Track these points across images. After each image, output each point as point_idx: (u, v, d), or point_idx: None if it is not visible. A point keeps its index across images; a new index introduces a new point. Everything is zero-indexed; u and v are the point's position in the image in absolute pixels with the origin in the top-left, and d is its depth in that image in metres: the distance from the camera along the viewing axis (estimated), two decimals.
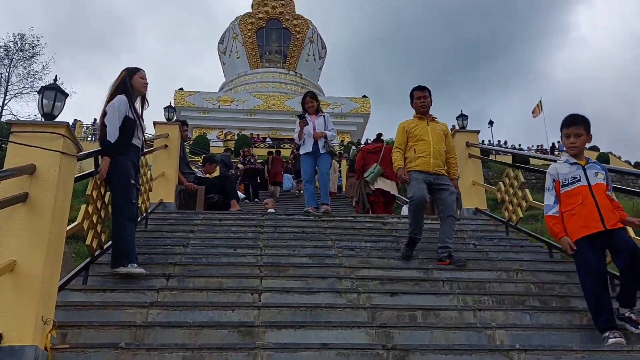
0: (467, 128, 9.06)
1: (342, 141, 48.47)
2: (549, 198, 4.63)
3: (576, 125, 4.60)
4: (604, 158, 39.34)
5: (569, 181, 4.53)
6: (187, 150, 10.37)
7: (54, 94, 8.77)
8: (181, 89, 50.14)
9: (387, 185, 10.13)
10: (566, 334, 4.24)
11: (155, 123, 8.77)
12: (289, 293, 4.84)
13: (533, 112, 49.30)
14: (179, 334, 3.91)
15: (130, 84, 5.32)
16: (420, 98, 6.54)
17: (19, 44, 38.76)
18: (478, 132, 9.08)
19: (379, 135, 11.66)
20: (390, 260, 6.10)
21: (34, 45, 39.04)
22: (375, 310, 4.50)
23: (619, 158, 50.85)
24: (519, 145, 50.48)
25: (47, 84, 6.89)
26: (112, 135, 5.08)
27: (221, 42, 57.14)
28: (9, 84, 37.35)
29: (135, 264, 5.07)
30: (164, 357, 3.51)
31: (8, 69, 37.79)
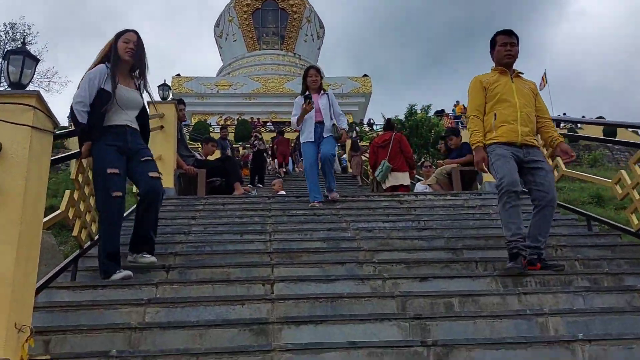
0: None
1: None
2: None
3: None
4: (610, 130, 38.56)
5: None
6: (186, 133, 9.73)
7: (21, 59, 7.54)
8: (178, 75, 49.38)
9: (398, 180, 9.56)
10: (629, 318, 3.65)
11: (149, 103, 8.13)
12: (305, 282, 4.25)
13: (539, 85, 48.38)
14: (181, 336, 3.33)
15: (116, 51, 4.55)
16: (506, 45, 4.84)
17: (11, 34, 37.99)
18: None
19: (389, 120, 11.00)
20: (414, 241, 5.52)
21: (25, 34, 38.22)
22: (405, 298, 3.92)
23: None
24: None
25: (14, 47, 5.55)
26: (79, 113, 4.30)
27: (217, 25, 56.19)
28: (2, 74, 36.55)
29: (118, 271, 4.28)
30: None
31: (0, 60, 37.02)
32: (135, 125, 4.61)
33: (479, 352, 3.10)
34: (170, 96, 8.50)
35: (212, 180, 8.62)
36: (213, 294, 4.10)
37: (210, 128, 42.08)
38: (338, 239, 5.51)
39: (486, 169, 4.72)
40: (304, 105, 7.19)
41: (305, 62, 54.92)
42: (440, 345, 3.11)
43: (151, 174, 4.51)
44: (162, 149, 7.86)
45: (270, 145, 21.18)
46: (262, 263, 4.76)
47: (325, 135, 7.27)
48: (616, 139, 20.64)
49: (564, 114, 49.84)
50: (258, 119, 45.05)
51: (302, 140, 7.51)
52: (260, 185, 17.70)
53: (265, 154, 18.68)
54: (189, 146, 9.69)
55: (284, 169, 18.94)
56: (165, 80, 12.30)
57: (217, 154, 12.20)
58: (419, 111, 25.12)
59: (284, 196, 7.99)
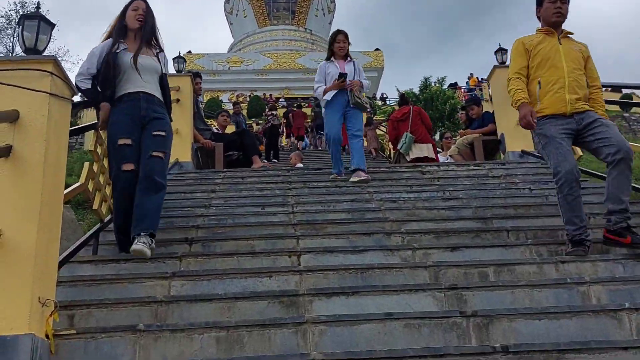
0: (507, 63, 8.22)
1: None
2: None
3: None
4: (627, 97, 38.02)
5: None
6: (202, 105, 9.57)
7: (36, 24, 6.99)
8: (189, 52, 49.08)
9: (423, 152, 9.30)
10: None
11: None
12: (332, 253, 4.13)
13: None
14: (209, 310, 3.23)
15: (125, 22, 4.38)
16: (556, 2, 4.27)
17: (21, 12, 37.78)
18: None
19: (403, 96, 10.72)
20: (440, 211, 5.36)
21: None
22: (438, 268, 3.78)
23: None
24: None
25: (28, 12, 5.11)
26: (81, 81, 4.15)
27: (227, 1, 55.72)
28: (14, 54, 36.47)
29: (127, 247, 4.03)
30: (192, 340, 2.83)
31: (12, 39, 36.95)
32: (152, 92, 4.32)
33: (521, 322, 2.97)
34: (185, 69, 8.31)
35: (229, 154, 8.49)
36: (239, 266, 3.99)
37: (223, 105, 41.99)
38: (362, 210, 5.36)
39: (533, 123, 4.12)
40: (337, 81, 6.74)
41: (316, 37, 54.44)
42: (480, 315, 2.98)
43: (154, 153, 4.11)
44: (179, 123, 7.71)
45: (284, 120, 20.98)
46: (287, 235, 4.63)
47: (351, 104, 6.80)
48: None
49: None
50: (270, 95, 44.77)
51: (326, 109, 6.98)
52: (276, 161, 17.56)
53: (279, 129, 18.51)
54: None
55: (302, 142, 18.80)
56: (180, 53, 11.98)
57: (232, 129, 12.07)
58: (433, 84, 24.76)
59: (303, 169, 7.81)
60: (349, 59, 7.08)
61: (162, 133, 4.25)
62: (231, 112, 14.81)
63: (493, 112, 8.59)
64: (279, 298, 3.29)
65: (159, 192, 4.09)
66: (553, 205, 5.48)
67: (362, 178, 6.52)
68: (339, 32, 7.04)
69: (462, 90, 42.04)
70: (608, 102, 6.71)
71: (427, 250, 4.17)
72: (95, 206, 4.48)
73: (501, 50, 7.66)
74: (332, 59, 7.04)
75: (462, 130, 8.82)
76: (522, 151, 7.77)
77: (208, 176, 7.21)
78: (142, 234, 3.91)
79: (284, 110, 33.29)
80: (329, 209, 5.46)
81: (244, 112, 28.68)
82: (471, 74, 45.62)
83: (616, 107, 26.17)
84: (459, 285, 3.40)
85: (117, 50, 4.23)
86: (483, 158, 8.16)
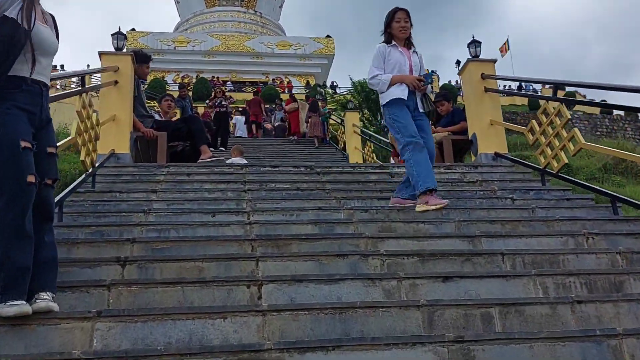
0: (480, 57, 7.52)
1: (307, 83, 46.61)
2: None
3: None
4: (571, 95, 38.90)
5: None
6: (143, 88, 8.56)
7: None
8: (133, 29, 47.03)
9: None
10: None
11: (101, 54, 6.98)
12: (301, 283, 3.35)
13: (501, 51, 48.12)
14: None
15: None
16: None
17: None
18: (494, 61, 7.59)
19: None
20: (419, 225, 4.67)
21: None
22: (432, 308, 3.07)
23: (584, 97, 50.26)
24: None
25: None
26: None
27: None
28: None
29: (22, 301, 2.67)
30: None
31: None
32: (48, 83, 3.05)
33: None
34: (125, 48, 7.26)
35: (174, 145, 7.57)
36: (184, 299, 3.18)
37: (167, 86, 40.38)
38: (331, 222, 4.61)
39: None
40: (419, 85, 5.22)
41: (266, 20, 53.19)
42: None
43: (49, 181, 2.94)
44: (116, 108, 6.75)
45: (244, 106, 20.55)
46: (243, 255, 3.82)
47: (420, 110, 5.27)
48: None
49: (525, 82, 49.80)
50: (217, 77, 43.45)
51: (394, 108, 5.19)
52: (223, 149, 16.59)
53: (229, 116, 17.56)
54: (147, 106, 8.55)
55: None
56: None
57: (178, 116, 11.08)
58: None
59: (257, 166, 6.95)
60: (412, 48, 5.49)
61: (55, 150, 3.05)
62: (176, 95, 13.79)
63: (463, 108, 7.97)
64: (237, 355, 2.50)
65: (53, 233, 3.01)
66: (542, 220, 4.89)
67: (439, 205, 4.84)
68: (398, 9, 5.39)
69: None
70: (552, 99, 6.22)
71: (415, 280, 3.45)
72: (82, 157, 5.18)
73: (475, 43, 7.06)
74: (393, 42, 5.39)
75: (433, 128, 8.14)
76: (495, 153, 7.18)
77: (149, 171, 6.30)
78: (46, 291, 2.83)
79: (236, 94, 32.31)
80: (292, 220, 4.69)
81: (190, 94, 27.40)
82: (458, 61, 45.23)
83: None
84: (465, 338, 2.70)
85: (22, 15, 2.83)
86: (452, 159, 7.53)
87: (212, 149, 15.95)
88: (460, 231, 4.54)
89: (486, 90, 7.28)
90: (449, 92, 8.50)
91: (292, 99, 21.82)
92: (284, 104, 23.62)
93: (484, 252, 4.04)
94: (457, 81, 47.66)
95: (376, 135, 14.24)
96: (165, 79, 43.28)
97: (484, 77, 7.30)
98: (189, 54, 46.45)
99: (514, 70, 63.61)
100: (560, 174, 5.95)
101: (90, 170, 5.29)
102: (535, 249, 4.16)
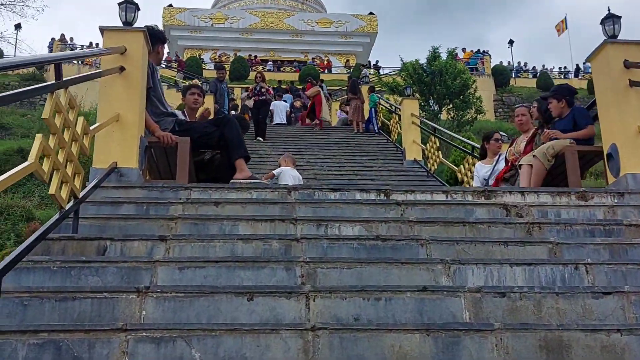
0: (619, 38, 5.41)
1: (347, 62, 44.45)
2: None
3: None
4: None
5: None
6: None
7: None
8: (170, 5, 45.47)
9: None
10: None
11: (102, 29, 5.12)
12: None
13: (557, 30, 44.95)
14: None
15: None
16: None
17: None
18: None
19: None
20: (612, 337, 2.71)
21: None
22: None
23: None
24: (543, 66, 46.27)
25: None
26: None
27: None
28: None
29: None
30: None
31: None
32: None
33: None
34: (137, 22, 5.73)
35: (201, 152, 5.72)
36: None
37: (204, 65, 38.81)
38: (451, 327, 2.67)
39: None
40: None
41: None
42: None
43: None
44: (122, 105, 4.90)
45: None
46: None
47: None
48: None
49: (584, 63, 46.65)
50: (255, 56, 41.70)
51: None
52: (261, 139, 14.81)
53: (269, 105, 15.74)
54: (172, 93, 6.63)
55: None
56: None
57: (210, 105, 9.18)
58: (443, 55, 21.87)
59: (311, 189, 4.99)
60: None
61: None
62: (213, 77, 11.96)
63: (590, 106, 5.92)
64: None
65: None
66: None
67: None
68: None
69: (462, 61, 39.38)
70: None
71: None
72: (52, 190, 3.26)
73: (613, 19, 5.29)
74: None
75: (548, 131, 6.02)
76: None
77: (161, 197, 4.47)
78: None
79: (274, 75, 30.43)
80: (382, 315, 2.78)
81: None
82: (464, 49, 42.86)
83: None
84: None
85: None
86: (580, 180, 5.49)
87: (260, 138, 14.25)
88: None
89: (632, 84, 5.20)
90: (565, 89, 6.35)
91: (312, 83, 20.37)
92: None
93: None
94: (509, 62, 44.88)
95: (446, 131, 12.20)
96: (201, 57, 41.68)
97: (628, 65, 5.21)
98: (226, 32, 44.67)
99: (571, 52, 60.19)
100: None
101: (66, 207, 3.45)
102: None
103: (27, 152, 3.19)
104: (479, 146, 9.92)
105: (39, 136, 3.12)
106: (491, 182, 7.32)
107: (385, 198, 4.68)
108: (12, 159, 14.91)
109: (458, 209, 4.48)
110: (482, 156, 7.84)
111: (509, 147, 7.13)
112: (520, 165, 6.06)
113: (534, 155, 5.82)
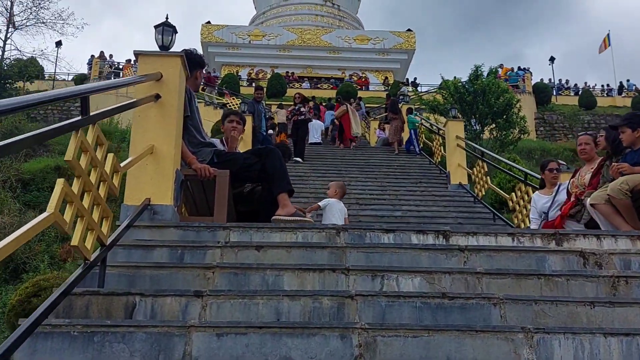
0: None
1: (385, 79, 44.04)
2: None
3: None
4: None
5: None
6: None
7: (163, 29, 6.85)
8: (208, 22, 45.94)
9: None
10: None
11: (137, 54, 4.78)
12: None
13: (602, 48, 43.78)
14: None
15: None
16: None
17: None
18: None
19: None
20: None
21: None
22: None
23: None
24: (585, 83, 45.02)
25: (160, 22, 5.23)
26: None
27: None
28: (12, 14, 33.11)
29: None
30: None
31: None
32: None
33: None
34: (174, 45, 5.39)
35: (240, 186, 5.33)
36: None
37: (241, 82, 38.85)
38: None
39: None
40: None
41: (344, 13, 50.90)
42: None
43: None
44: (157, 136, 4.54)
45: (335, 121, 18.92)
46: None
47: None
48: None
49: (628, 80, 45.27)
50: (293, 73, 41.63)
51: None
52: (299, 160, 14.44)
53: (308, 124, 15.40)
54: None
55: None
56: (167, 17, 6.71)
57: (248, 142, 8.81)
58: (485, 74, 21.24)
59: (362, 229, 4.52)
60: None
61: None
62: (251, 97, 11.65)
63: None
64: None
65: None
66: None
67: None
68: None
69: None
70: None
71: None
72: (75, 242, 2.83)
73: None
74: None
75: (617, 164, 5.43)
76: None
77: (198, 240, 4.08)
78: None
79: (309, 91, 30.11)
80: None
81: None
82: (501, 65, 42.00)
83: None
84: None
85: None
86: None
87: (298, 158, 13.90)
88: None
89: None
90: None
91: (340, 102, 20.05)
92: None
93: None
94: (549, 79, 43.80)
95: (493, 154, 11.62)
96: (239, 74, 41.80)
97: None
98: (263, 48, 44.82)
99: (615, 68, 58.74)
100: None
101: (92, 258, 3.08)
102: None
103: (64, 170, 2.84)
104: (530, 172, 9.35)
105: (60, 182, 2.73)
106: (552, 214, 6.75)
107: (445, 242, 4.20)
108: (49, 177, 14.74)
109: (529, 257, 3.97)
110: (542, 186, 7.28)
111: (571, 178, 6.57)
112: (593, 205, 5.48)
113: (608, 195, 5.24)
